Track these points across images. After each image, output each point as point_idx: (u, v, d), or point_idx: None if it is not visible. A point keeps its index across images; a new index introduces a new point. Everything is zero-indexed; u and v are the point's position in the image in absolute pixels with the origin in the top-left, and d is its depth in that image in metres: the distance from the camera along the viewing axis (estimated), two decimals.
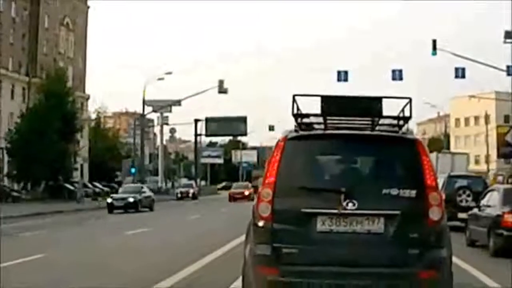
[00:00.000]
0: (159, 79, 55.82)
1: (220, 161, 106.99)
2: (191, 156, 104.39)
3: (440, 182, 21.16)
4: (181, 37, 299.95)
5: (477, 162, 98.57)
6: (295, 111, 6.35)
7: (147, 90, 59.52)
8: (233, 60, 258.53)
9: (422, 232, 6.02)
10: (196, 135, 74.27)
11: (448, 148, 75.18)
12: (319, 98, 6.23)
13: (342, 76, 42.56)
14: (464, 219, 18.75)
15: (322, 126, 6.44)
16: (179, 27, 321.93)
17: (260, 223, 6.11)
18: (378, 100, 6.28)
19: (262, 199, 6.11)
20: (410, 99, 6.30)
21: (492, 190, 15.61)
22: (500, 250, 13.45)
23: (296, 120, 6.44)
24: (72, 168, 52.21)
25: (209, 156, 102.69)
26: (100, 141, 75.34)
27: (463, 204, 20.57)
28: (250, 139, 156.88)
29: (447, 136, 78.66)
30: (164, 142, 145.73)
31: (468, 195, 21.02)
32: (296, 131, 6.40)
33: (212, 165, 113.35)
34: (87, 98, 75.39)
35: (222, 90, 55.33)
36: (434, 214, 6.07)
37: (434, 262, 6.02)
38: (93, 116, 77.73)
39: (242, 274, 6.69)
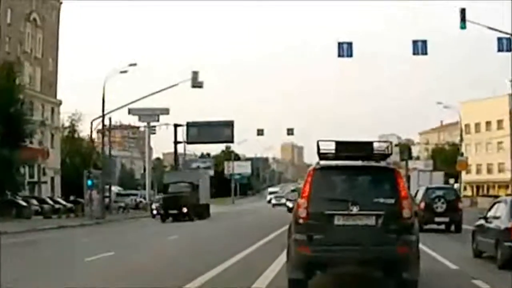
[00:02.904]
0: (122, 72, 48.41)
1: (210, 172, 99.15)
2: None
3: (421, 193, 27.50)
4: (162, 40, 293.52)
5: (489, 171, 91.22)
6: (320, 150, 10.41)
7: (111, 85, 51.99)
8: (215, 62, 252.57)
9: (398, 224, 9.70)
10: (176, 142, 67.07)
11: (462, 155, 68.13)
12: (333, 142, 10.33)
13: (345, 49, 35.27)
14: (440, 222, 26.05)
15: (335, 158, 10.40)
16: (166, 32, 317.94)
17: (300, 221, 9.85)
18: (370, 143, 10.50)
19: (300, 205, 9.87)
20: (391, 142, 10.93)
21: (499, 201, 15.98)
22: (508, 262, 13.77)
23: (319, 155, 10.45)
24: (20, 181, 44.82)
25: (198, 168, 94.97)
26: (75, 152, 67.99)
27: (439, 210, 25.87)
28: (245, 150, 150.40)
29: (460, 142, 71.10)
30: (161, 156, 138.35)
31: (443, 203, 25.96)
32: (318, 163, 10.34)
33: None
34: (59, 104, 68.35)
35: (196, 84, 48.02)
36: (406, 213, 9.75)
37: (406, 242, 9.68)
38: (67, 124, 70.34)
39: (286, 252, 10.59)
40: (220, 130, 66.88)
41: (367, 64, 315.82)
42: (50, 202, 52.25)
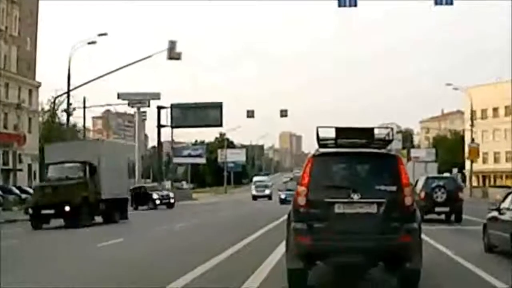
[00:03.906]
0: (90, 43, 43.51)
1: (202, 160, 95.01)
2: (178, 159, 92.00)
3: (421, 182, 27.40)
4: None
5: (496, 160, 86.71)
6: (319, 137, 10.21)
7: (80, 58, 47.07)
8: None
9: (400, 212, 9.53)
10: (159, 126, 62.57)
11: (473, 141, 69.31)
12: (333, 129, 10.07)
13: None
14: (440, 212, 26.30)
15: (334, 145, 10.21)
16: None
17: (299, 209, 9.66)
18: (371, 129, 10.20)
19: (300, 193, 9.66)
20: (392, 129, 10.87)
21: None
22: None
23: (318, 142, 10.26)
24: None
25: (189, 156, 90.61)
26: (56, 137, 63.73)
27: (439, 200, 26.14)
28: (240, 138, 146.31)
29: (471, 127, 66.55)
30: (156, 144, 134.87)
31: (443, 193, 26.15)
32: (317, 150, 10.15)
33: (196, 165, 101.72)
34: (37, 86, 64.09)
35: (173, 55, 42.65)
36: (407, 201, 9.56)
37: (408, 231, 9.48)
38: (47, 107, 66.39)
39: (286, 242, 10.20)
40: (208, 113, 62.11)
41: (369, 51, 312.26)
42: (17, 191, 47.65)
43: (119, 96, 74.66)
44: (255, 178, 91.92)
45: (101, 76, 45.00)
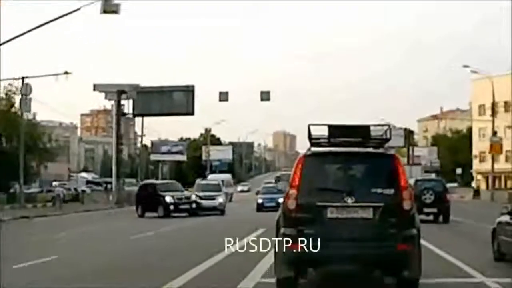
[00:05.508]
0: None
1: (182, 158, 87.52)
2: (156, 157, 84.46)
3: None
4: None
5: (507, 159, 79.32)
6: (311, 135, 10.00)
7: None
8: None
9: (398, 217, 9.35)
10: (119, 114, 54.10)
11: (495, 135, 63.38)
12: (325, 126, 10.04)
13: None
14: (428, 212, 27.49)
15: (327, 144, 10.16)
16: None
17: (288, 214, 9.50)
18: (367, 127, 10.01)
19: (289, 197, 9.48)
20: (389, 126, 10.43)
21: None
22: None
23: (310, 140, 10.08)
24: None
25: (169, 152, 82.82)
26: (13, 129, 56.33)
27: (427, 201, 27.91)
28: (227, 134, 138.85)
29: (492, 117, 59.89)
30: (148, 142, 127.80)
31: (431, 194, 28.21)
32: (309, 149, 10.00)
33: (179, 163, 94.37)
34: None
35: (108, 8, 33.08)
36: (406, 205, 9.33)
37: (407, 238, 9.31)
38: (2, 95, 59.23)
39: (274, 248, 10.07)
40: (176, 98, 53.05)
41: (364, 52, 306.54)
42: None
43: (95, 87, 67.44)
44: (212, 176, 67.72)
45: (19, 35, 35.52)
